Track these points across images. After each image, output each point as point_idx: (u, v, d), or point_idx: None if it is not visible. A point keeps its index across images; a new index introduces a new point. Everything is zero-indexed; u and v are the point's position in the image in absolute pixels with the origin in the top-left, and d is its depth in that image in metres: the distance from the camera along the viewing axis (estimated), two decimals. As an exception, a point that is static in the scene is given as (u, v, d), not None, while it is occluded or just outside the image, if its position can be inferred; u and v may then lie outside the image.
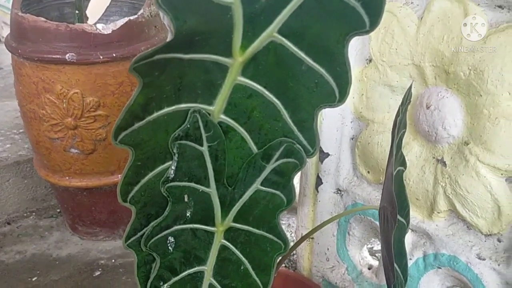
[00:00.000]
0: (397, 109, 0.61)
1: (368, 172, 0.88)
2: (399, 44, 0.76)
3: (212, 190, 0.57)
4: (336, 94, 0.49)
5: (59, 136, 1.14)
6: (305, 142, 0.53)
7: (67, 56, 1.04)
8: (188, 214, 0.58)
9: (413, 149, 0.78)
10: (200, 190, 0.57)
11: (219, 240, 0.60)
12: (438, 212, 0.76)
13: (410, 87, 0.62)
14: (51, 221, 1.51)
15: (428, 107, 0.73)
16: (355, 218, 0.92)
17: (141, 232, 0.58)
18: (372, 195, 0.88)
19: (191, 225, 0.59)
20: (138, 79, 0.47)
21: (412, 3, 0.75)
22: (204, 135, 0.53)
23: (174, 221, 0.58)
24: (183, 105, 0.51)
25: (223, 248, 0.60)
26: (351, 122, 0.89)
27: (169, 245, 0.59)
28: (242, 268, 0.61)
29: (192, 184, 0.56)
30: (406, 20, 0.74)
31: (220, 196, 0.57)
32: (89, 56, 1.05)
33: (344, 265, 0.98)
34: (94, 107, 1.10)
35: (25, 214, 1.53)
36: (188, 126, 0.52)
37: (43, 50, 1.05)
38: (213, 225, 0.59)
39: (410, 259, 0.82)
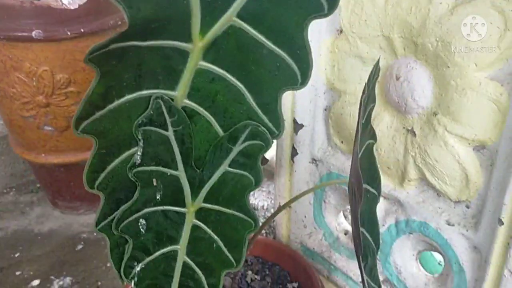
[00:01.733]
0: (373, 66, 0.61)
1: (342, 142, 0.89)
2: (368, 15, 0.75)
3: (180, 173, 0.57)
4: (298, 77, 0.49)
5: (32, 114, 1.12)
6: (270, 124, 0.53)
7: (33, 33, 1.01)
8: (158, 197, 0.58)
9: (384, 120, 0.79)
10: (169, 174, 0.57)
11: (190, 220, 0.61)
12: (409, 181, 0.78)
13: (377, 62, 0.62)
14: (32, 196, 1.51)
15: (397, 78, 0.73)
16: (330, 187, 0.94)
17: (112, 217, 0.58)
18: (346, 165, 0.89)
19: (161, 207, 0.59)
20: (95, 70, 0.46)
21: (380, -29, 0.74)
22: (168, 120, 0.53)
23: (144, 204, 0.58)
24: (144, 92, 0.51)
25: (195, 227, 0.61)
26: (324, 93, 0.89)
27: (140, 227, 0.60)
28: (214, 245, 0.62)
29: (160, 168, 0.56)
30: (375, -11, 0.73)
31: (189, 178, 0.58)
32: (56, 32, 1.03)
33: (321, 231, 1.00)
34: (65, 84, 1.08)
35: (5, 191, 1.52)
36: (152, 112, 0.52)
37: (9, 28, 1.02)
38: (184, 206, 0.60)
39: (383, 225, 0.84)
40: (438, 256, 1.05)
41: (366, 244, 0.67)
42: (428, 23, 0.67)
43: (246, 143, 0.54)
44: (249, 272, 0.99)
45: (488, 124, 0.65)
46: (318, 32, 0.82)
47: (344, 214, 1.01)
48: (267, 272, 0.99)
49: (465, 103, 0.66)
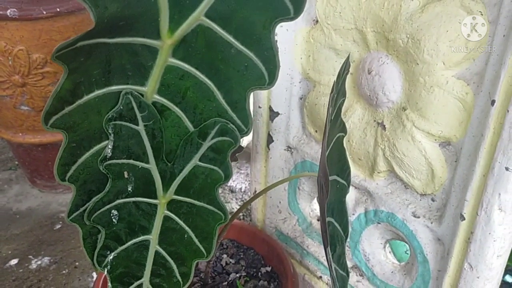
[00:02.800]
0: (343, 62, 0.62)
1: (316, 131, 0.90)
2: (342, 7, 0.75)
3: (151, 166, 0.58)
4: (266, 78, 0.50)
5: (8, 93, 1.11)
6: (239, 122, 0.54)
7: (8, 12, 1.00)
8: (129, 189, 0.59)
9: (356, 112, 0.80)
10: (140, 166, 0.58)
11: (162, 212, 0.62)
12: (378, 172, 0.80)
13: (347, 59, 0.63)
14: (10, 173, 1.50)
15: (369, 72, 0.74)
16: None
17: (84, 207, 0.59)
18: (320, 154, 0.90)
19: (133, 199, 0.60)
20: (62, 67, 0.46)
21: (357, -36, 0.74)
22: (139, 115, 0.54)
23: (116, 195, 0.59)
24: (114, 87, 0.51)
25: (166, 218, 0.62)
26: (300, 82, 0.89)
27: (113, 217, 0.61)
28: (186, 236, 0.63)
29: (131, 161, 0.57)
30: (350, -18, 0.73)
31: (160, 171, 0.59)
32: (32, 11, 1.01)
33: (295, 217, 1.02)
34: (41, 64, 1.07)
35: (-18, 168, 1.52)
36: (121, 107, 0.53)
37: (-17, 6, 1.00)
38: (156, 197, 0.61)
39: (353, 214, 0.86)
40: (407, 245, 1.08)
41: (335, 233, 0.69)
42: (399, 20, 0.68)
43: (216, 139, 0.56)
44: (224, 256, 1.01)
45: (454, 122, 0.67)
46: (294, 21, 0.83)
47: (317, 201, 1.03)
48: (241, 256, 1.01)
49: (433, 100, 0.67)
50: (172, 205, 0.62)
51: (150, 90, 0.53)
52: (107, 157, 0.56)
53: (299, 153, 0.94)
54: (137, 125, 0.54)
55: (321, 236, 0.66)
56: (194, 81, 0.52)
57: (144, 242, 0.64)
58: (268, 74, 0.49)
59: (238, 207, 1.32)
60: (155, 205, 0.61)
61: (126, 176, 0.58)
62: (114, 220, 0.61)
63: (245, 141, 1.30)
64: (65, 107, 0.50)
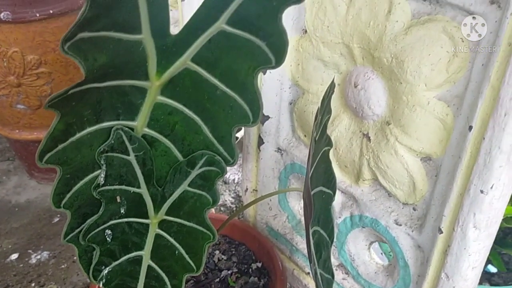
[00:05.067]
0: (330, 82, 0.64)
1: (305, 136, 0.93)
2: (330, 22, 0.77)
3: (143, 190, 0.61)
4: (250, 117, 0.52)
5: (4, 93, 1.13)
6: (225, 154, 0.57)
7: (2, 15, 1.00)
8: (122, 211, 0.62)
9: (343, 121, 0.82)
10: (132, 191, 0.61)
11: (154, 230, 0.65)
12: (364, 180, 0.83)
13: (332, 81, 0.65)
14: (8, 164, 1.53)
15: (355, 86, 0.76)
16: (294, 175, 0.98)
17: (79, 229, 0.62)
18: (309, 157, 0.93)
19: (126, 219, 0.63)
20: (55, 112, 0.48)
21: (343, -21, 0.75)
22: (129, 147, 0.56)
23: (109, 217, 0.62)
24: (105, 124, 0.54)
25: (158, 236, 0.66)
26: (289, 88, 0.91)
27: (107, 236, 0.64)
28: (177, 252, 0.67)
29: (123, 187, 0.60)
30: (337, -2, 0.75)
31: (151, 194, 0.62)
32: (25, 14, 1.02)
33: (285, 214, 1.05)
34: (36, 65, 1.08)
35: (-20, 158, 1.54)
36: (113, 141, 0.55)
37: (-25, 9, 1.01)
38: (147, 217, 0.64)
39: (339, 217, 0.90)
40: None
41: (321, 240, 0.73)
42: (384, 39, 0.70)
43: (203, 169, 0.58)
44: (217, 252, 1.05)
45: (434, 140, 0.69)
46: (286, 29, 0.84)
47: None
48: (233, 252, 1.05)
49: (415, 118, 0.70)
50: (163, 225, 0.65)
51: (140, 124, 0.55)
52: (100, 184, 0.59)
53: (289, 155, 0.97)
54: (128, 155, 0.57)
55: (306, 248, 0.69)
56: (182, 116, 0.54)
57: (137, 257, 0.67)
58: (252, 114, 0.52)
59: (231, 199, 1.35)
60: (147, 224, 0.65)
61: (118, 200, 0.61)
62: (108, 238, 0.64)
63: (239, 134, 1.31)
64: (59, 145, 0.52)
